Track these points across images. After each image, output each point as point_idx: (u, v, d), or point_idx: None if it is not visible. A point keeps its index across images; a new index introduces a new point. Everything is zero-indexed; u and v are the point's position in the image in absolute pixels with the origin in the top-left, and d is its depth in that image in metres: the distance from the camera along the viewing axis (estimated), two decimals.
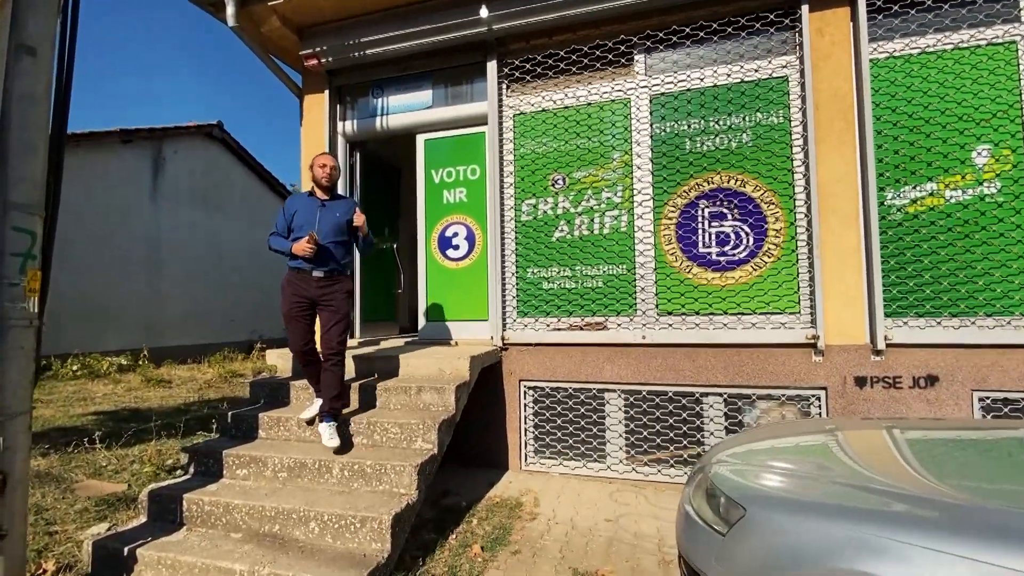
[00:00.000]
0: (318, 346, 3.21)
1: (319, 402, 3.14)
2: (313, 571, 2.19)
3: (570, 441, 3.93)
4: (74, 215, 8.85)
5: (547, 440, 4.00)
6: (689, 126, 3.81)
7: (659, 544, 2.88)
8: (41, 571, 2.43)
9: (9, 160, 2.03)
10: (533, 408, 4.05)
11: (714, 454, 2.41)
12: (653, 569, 2.63)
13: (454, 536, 2.92)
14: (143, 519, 2.73)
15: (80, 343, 9.11)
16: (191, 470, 3.02)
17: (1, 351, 1.98)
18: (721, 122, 3.75)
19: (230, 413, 3.29)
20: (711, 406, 3.67)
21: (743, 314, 3.62)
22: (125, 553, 2.40)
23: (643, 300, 3.81)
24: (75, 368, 8.38)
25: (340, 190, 4.69)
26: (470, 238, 4.45)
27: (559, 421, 3.96)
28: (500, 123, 4.19)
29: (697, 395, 3.69)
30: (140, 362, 9.42)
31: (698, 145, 3.79)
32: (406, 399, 3.24)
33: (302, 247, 2.99)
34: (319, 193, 3.24)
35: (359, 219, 3.21)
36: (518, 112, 4.20)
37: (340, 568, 2.21)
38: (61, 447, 4.30)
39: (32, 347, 2.12)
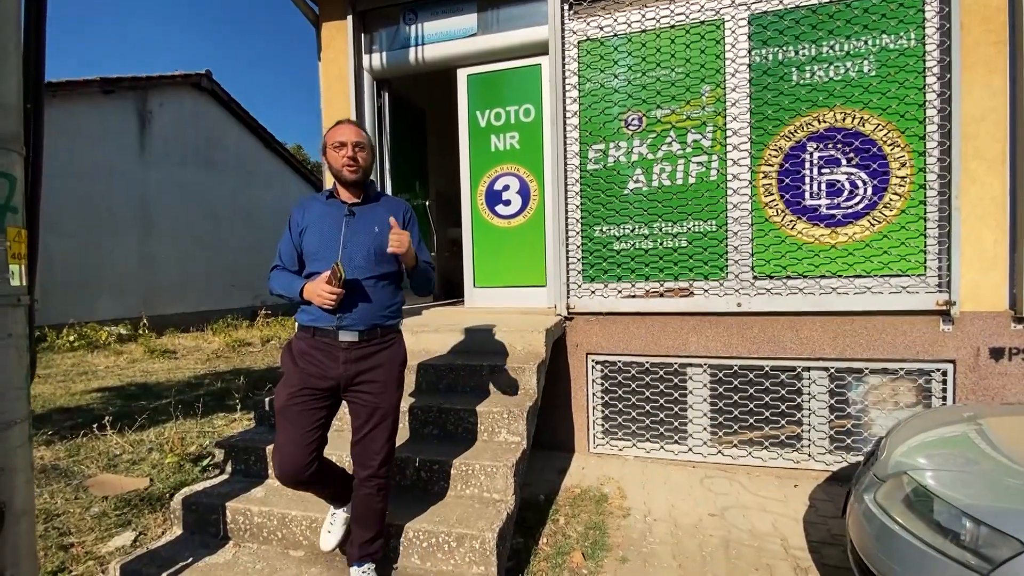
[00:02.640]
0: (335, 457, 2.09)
1: (340, 513, 2.03)
2: None
3: (646, 421, 3.49)
4: (55, 172, 8.06)
5: (619, 420, 3.55)
6: (797, 53, 3.18)
7: (784, 545, 2.47)
8: None
9: None
10: (602, 385, 3.58)
11: (892, 450, 1.95)
12: None
13: (544, 540, 2.50)
14: (178, 531, 2.26)
15: (73, 312, 8.51)
16: (228, 469, 2.54)
17: None
18: (837, 47, 3.12)
19: (268, 399, 2.79)
20: (814, 382, 3.22)
21: (857, 277, 3.11)
22: None
23: (736, 261, 3.29)
24: (72, 339, 7.83)
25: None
26: (524, 191, 3.86)
27: (633, 399, 3.51)
28: (562, 52, 3.52)
29: (799, 370, 3.23)
30: (140, 331, 8.89)
31: (808, 76, 3.17)
32: (477, 380, 2.74)
33: (320, 292, 1.73)
34: (343, 193, 1.92)
35: (396, 242, 1.77)
36: (584, 38, 3.52)
37: None
38: (66, 432, 3.81)
39: (24, 333, 1.58)
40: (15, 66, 1.55)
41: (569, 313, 3.54)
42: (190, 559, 2.05)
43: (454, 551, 1.92)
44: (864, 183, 3.10)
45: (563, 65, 3.52)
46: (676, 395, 3.44)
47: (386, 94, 4.17)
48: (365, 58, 4.03)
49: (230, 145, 11.64)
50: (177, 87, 10.39)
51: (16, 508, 1.52)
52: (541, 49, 3.63)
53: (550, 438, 3.61)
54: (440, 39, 3.88)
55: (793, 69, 3.19)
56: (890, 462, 1.90)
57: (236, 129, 11.78)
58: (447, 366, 2.80)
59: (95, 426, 3.69)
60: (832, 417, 3.20)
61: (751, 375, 3.30)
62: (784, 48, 3.19)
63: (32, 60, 1.68)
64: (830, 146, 3.13)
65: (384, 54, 4.00)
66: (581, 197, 3.55)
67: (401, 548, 1.98)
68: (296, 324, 1.91)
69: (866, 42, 3.08)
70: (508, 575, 2.17)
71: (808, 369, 3.22)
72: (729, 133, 3.28)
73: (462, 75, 3.93)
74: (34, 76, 1.70)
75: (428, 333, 3.13)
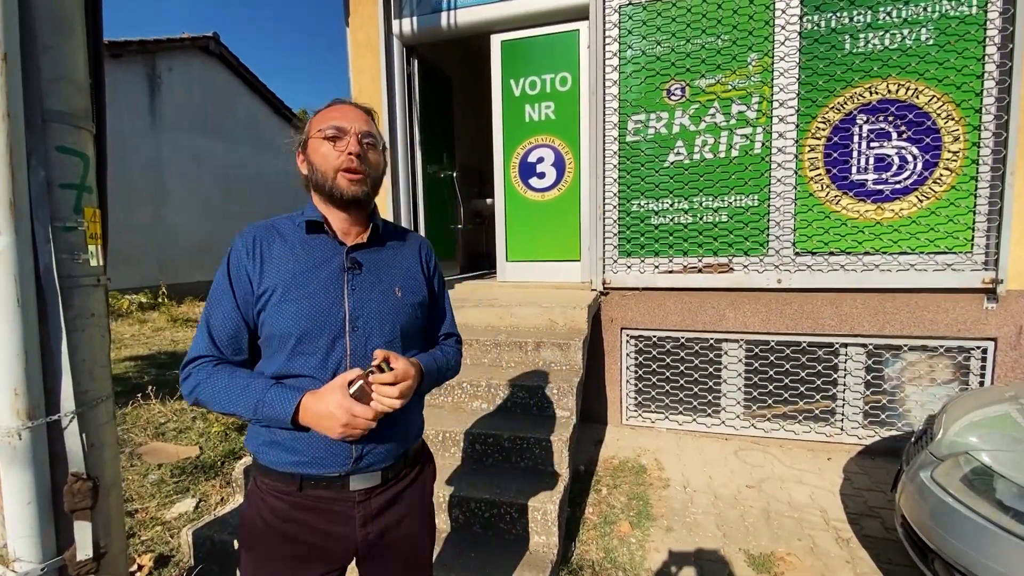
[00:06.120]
0: None
1: None
2: (475, 573, 1.82)
3: (679, 395, 3.54)
4: None
5: (652, 393, 3.60)
6: (851, 19, 3.05)
7: (824, 517, 2.54)
8: (136, 568, 2.06)
9: (38, 43, 1.38)
10: (636, 359, 3.61)
11: (948, 429, 1.98)
12: (833, 548, 2.30)
13: (590, 509, 2.58)
14: (241, 499, 2.35)
15: None
16: None
17: (66, 321, 1.44)
18: (895, 13, 2.99)
19: None
20: (851, 358, 3.24)
21: (901, 254, 3.08)
22: (236, 546, 2.02)
23: (777, 237, 3.25)
24: None
25: (398, 121, 3.89)
26: (559, 164, 3.79)
27: (667, 373, 3.55)
28: (603, 16, 3.39)
29: (836, 346, 3.24)
30: (160, 300, 8.98)
31: (861, 44, 3.05)
32: (521, 356, 2.77)
33: (351, 417, 0.92)
34: (337, 222, 1.11)
35: (395, 392, 0.95)
36: (625, 2, 3.38)
37: (508, 570, 1.83)
38: None
39: (104, 312, 1.60)
40: (82, 40, 1.51)
41: (605, 288, 3.54)
42: None
43: (516, 521, 1.99)
44: (914, 158, 3.03)
45: (603, 31, 3.40)
46: (710, 370, 3.47)
47: (415, 61, 4.05)
48: (394, 23, 3.90)
49: (240, 110, 11.44)
50: (185, 51, 10.14)
51: (106, 482, 1.57)
52: (580, 14, 3.50)
53: (584, 410, 3.66)
54: (473, 3, 3.73)
55: (847, 36, 3.06)
56: (946, 441, 1.93)
57: (245, 94, 11.55)
58: (491, 342, 2.82)
59: (140, 395, 3.77)
60: (867, 392, 3.24)
61: (787, 350, 3.31)
62: (838, 14, 3.06)
63: (90, 32, 1.64)
64: (881, 118, 3.04)
65: (414, 19, 3.87)
66: (619, 170, 3.49)
67: (463, 518, 2.05)
68: (255, 461, 1.10)
69: (925, 8, 2.95)
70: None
71: (846, 345, 3.24)
72: (775, 104, 3.18)
73: (496, 41, 3.80)
74: (93, 49, 1.66)
75: (468, 308, 3.15)
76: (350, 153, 1.04)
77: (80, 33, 1.51)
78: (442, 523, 2.06)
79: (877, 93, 3.04)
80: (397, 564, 1.14)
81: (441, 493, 2.07)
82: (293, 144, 1.16)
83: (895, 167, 3.05)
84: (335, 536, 1.06)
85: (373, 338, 1.07)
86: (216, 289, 1.09)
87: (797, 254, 3.23)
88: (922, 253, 3.05)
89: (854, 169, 3.11)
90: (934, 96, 2.97)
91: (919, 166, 3.02)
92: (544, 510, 1.95)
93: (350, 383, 0.94)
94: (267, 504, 1.06)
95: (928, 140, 2.98)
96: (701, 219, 3.37)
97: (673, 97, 3.35)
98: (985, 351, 3.04)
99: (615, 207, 3.53)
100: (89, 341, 1.52)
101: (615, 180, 3.50)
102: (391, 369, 0.96)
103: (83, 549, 1.45)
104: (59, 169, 1.44)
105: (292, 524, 1.05)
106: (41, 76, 1.39)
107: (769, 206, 3.24)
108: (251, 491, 1.12)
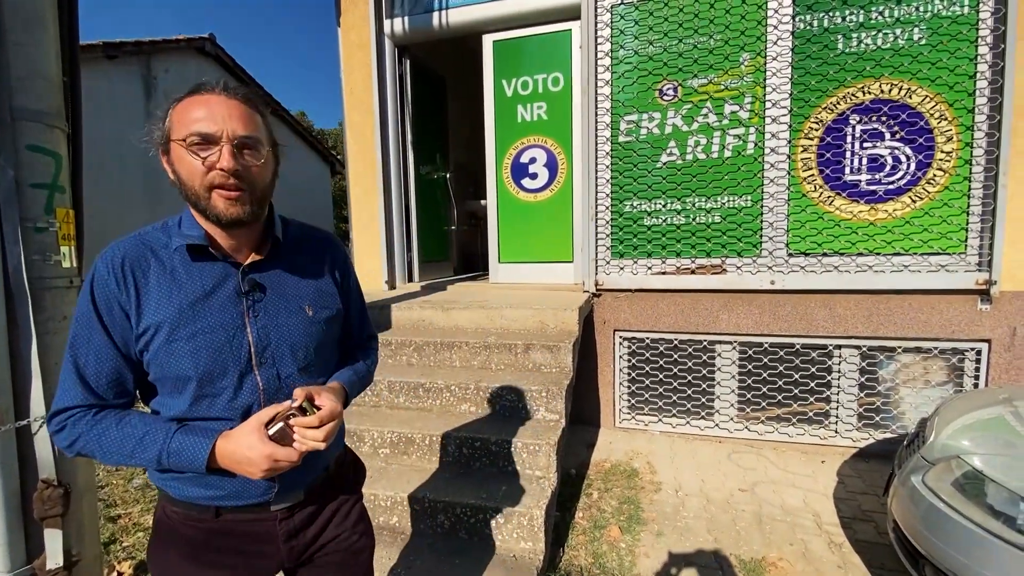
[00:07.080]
0: None
1: None
2: None
3: (673, 397, 3.51)
4: None
5: (645, 396, 3.57)
6: (844, 18, 3.03)
7: (817, 521, 2.51)
8: (115, 575, 2.02)
9: (7, 40, 1.35)
10: (629, 361, 3.58)
11: (940, 432, 1.95)
12: (825, 553, 2.27)
13: (580, 514, 2.55)
14: None
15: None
16: None
17: (37, 323, 1.42)
18: (887, 13, 2.97)
19: None
20: (845, 359, 3.21)
21: (895, 255, 3.06)
22: None
23: (771, 238, 3.23)
24: None
25: (390, 121, 3.88)
26: (551, 164, 3.77)
27: (660, 376, 3.52)
28: (595, 16, 3.37)
29: (830, 348, 3.22)
30: None
31: (854, 44, 3.03)
32: (511, 358, 2.74)
33: (270, 460, 0.83)
34: (224, 240, 0.93)
35: (325, 406, 0.88)
36: (617, 2, 3.36)
37: None
38: None
39: None
40: (54, 37, 1.49)
41: (597, 290, 3.51)
42: None
43: (502, 527, 1.95)
44: (908, 158, 3.00)
45: (595, 30, 3.38)
46: (704, 372, 3.45)
47: (407, 61, 4.03)
48: (386, 23, 3.87)
49: None
50: (181, 52, 10.11)
51: (79, 488, 1.54)
52: (572, 13, 3.48)
53: (576, 412, 3.64)
54: (464, 2, 3.71)
55: (839, 36, 3.04)
56: (938, 445, 1.90)
57: None
58: (481, 344, 2.79)
59: None
60: (861, 395, 3.21)
61: (781, 352, 3.29)
62: (831, 14, 3.04)
63: (65, 30, 1.61)
64: (874, 118, 3.02)
65: (406, 19, 3.84)
66: (611, 170, 3.47)
67: (448, 524, 2.02)
68: (161, 493, 0.99)
69: (917, 8, 2.93)
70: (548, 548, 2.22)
71: (839, 347, 3.21)
72: (768, 104, 3.16)
73: (488, 41, 3.78)
74: (68, 47, 1.63)
75: (458, 310, 3.12)
76: (223, 168, 0.84)
77: (53, 31, 1.49)
78: (426, 528, 2.03)
79: (870, 93, 3.02)
80: (331, 570, 1.08)
81: (427, 498, 2.04)
82: (152, 142, 0.90)
83: (888, 167, 3.03)
84: (256, 554, 0.99)
85: (285, 367, 0.96)
86: (81, 326, 0.88)
87: (790, 255, 3.20)
88: (916, 254, 3.03)
89: (847, 169, 3.09)
90: (927, 96, 2.95)
91: (912, 166, 3.00)
92: (531, 516, 1.92)
93: (268, 423, 0.85)
94: (180, 534, 0.96)
95: (921, 140, 2.96)
96: (694, 220, 3.35)
97: (665, 97, 3.33)
98: (979, 353, 3.01)
99: (607, 208, 3.50)
100: (61, 344, 1.49)
101: (607, 181, 3.48)
102: (316, 408, 0.87)
103: (53, 558, 1.42)
104: (29, 168, 1.41)
105: (209, 552, 0.96)
106: (10, 73, 1.36)
107: (762, 207, 3.22)
108: (159, 521, 1.00)
